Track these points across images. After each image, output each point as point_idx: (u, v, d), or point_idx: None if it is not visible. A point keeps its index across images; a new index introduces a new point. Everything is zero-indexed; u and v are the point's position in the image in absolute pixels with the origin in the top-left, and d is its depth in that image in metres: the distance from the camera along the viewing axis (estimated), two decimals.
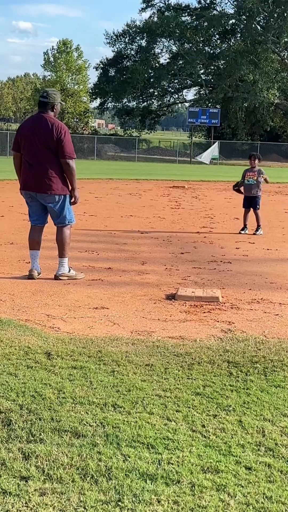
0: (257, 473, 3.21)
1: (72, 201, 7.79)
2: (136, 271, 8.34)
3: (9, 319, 5.81)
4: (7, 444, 3.40)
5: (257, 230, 12.50)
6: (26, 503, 2.87)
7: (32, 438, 3.47)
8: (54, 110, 7.68)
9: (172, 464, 3.25)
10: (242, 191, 12.83)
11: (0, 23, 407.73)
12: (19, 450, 3.34)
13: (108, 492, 2.97)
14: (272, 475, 3.20)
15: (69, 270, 7.78)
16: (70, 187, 7.70)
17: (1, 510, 2.81)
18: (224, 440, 3.55)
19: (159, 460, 3.28)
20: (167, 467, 3.21)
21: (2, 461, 3.21)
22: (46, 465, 3.19)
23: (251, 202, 12.67)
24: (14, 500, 2.89)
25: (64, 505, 2.86)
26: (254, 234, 12.35)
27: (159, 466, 3.22)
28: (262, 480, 3.14)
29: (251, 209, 12.63)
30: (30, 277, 7.62)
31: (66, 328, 5.66)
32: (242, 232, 12.48)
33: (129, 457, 3.29)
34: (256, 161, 12.82)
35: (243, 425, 3.75)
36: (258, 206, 12.65)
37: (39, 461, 3.23)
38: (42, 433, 3.52)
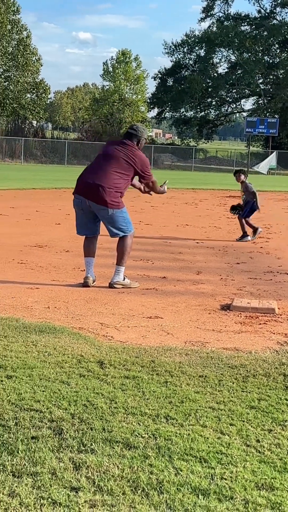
0: None
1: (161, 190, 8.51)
2: (191, 281, 8.27)
3: (63, 326, 5.80)
4: (58, 453, 3.36)
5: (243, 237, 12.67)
6: None
7: (83, 448, 3.43)
8: (139, 145, 7.90)
9: (225, 479, 3.16)
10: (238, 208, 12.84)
11: (60, 34, 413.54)
12: (70, 460, 3.30)
13: (159, 506, 2.90)
14: None
15: (124, 278, 7.76)
16: (123, 202, 7.82)
17: None
18: (279, 456, 3.44)
19: (212, 475, 3.20)
20: (220, 483, 3.12)
21: (53, 471, 3.18)
22: (97, 476, 3.14)
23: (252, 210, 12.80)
24: (64, 511, 2.85)
25: None
26: (239, 240, 12.52)
27: (212, 481, 3.14)
28: None
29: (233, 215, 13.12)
30: (84, 284, 7.63)
31: (119, 337, 5.62)
32: (249, 239, 12.61)
33: (181, 471, 3.22)
34: (241, 177, 12.74)
35: None
36: (249, 214, 12.75)
37: (90, 472, 3.18)
38: (93, 443, 3.48)
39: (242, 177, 12.71)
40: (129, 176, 7.76)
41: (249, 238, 12.51)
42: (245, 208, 12.65)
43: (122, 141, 7.86)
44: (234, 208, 12.84)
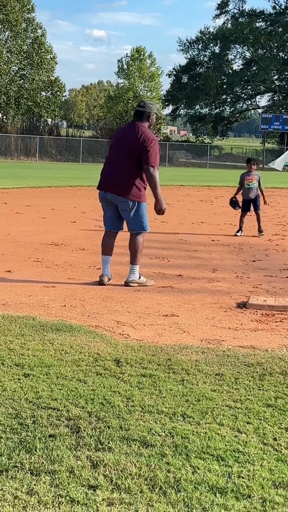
0: None
1: (157, 209, 7.81)
2: (206, 279, 8.27)
3: (80, 325, 5.82)
4: (76, 451, 3.38)
5: (261, 231, 12.78)
6: None
7: (101, 446, 3.44)
8: (150, 120, 7.79)
9: (243, 477, 3.17)
10: (238, 203, 12.86)
11: (74, 32, 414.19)
12: (88, 458, 3.32)
13: (177, 505, 2.91)
14: None
15: (140, 276, 7.77)
16: (145, 196, 7.73)
17: None
18: None
19: (229, 473, 3.20)
20: (237, 481, 3.13)
21: (70, 469, 3.19)
22: (114, 475, 3.16)
23: (250, 205, 12.90)
24: (82, 509, 2.86)
25: None
26: (260, 235, 12.63)
27: (229, 480, 3.14)
28: None
29: (249, 212, 12.94)
30: (100, 282, 7.64)
31: (135, 335, 5.63)
32: (238, 234, 12.72)
33: (198, 469, 3.22)
34: (255, 166, 12.98)
35: None
36: (259, 207, 12.96)
37: (107, 470, 3.20)
38: (110, 442, 3.49)
39: (255, 166, 13.11)
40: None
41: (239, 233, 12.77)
42: (258, 202, 12.85)
43: (132, 124, 7.75)
44: (234, 204, 12.92)
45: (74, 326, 5.76)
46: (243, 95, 75.09)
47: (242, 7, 73.40)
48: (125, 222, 7.89)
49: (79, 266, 8.81)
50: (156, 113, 7.87)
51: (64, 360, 4.83)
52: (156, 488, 3.05)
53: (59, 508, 2.86)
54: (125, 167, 7.60)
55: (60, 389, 4.23)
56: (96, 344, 5.25)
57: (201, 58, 73.85)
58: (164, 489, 3.04)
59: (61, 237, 11.47)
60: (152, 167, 7.61)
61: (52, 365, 4.70)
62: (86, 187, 23.55)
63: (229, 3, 73.15)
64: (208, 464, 3.28)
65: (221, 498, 2.97)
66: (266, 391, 4.35)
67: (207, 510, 2.87)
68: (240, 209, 12.96)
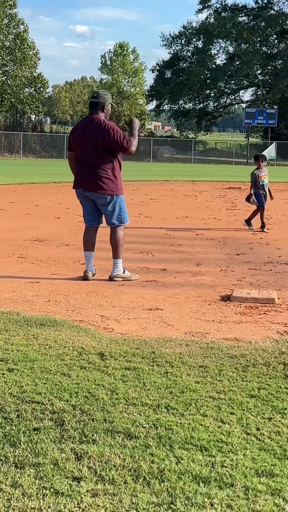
0: None
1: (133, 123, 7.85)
2: (191, 272, 8.29)
3: (64, 319, 5.83)
4: (60, 444, 3.40)
5: (249, 222, 12.97)
6: (78, 504, 2.86)
7: (85, 439, 3.46)
8: (105, 111, 7.72)
9: (226, 467, 3.19)
10: (254, 199, 12.83)
11: (58, 28, 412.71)
12: (72, 450, 3.33)
13: (161, 495, 2.94)
14: None
15: (124, 271, 7.78)
16: (122, 190, 7.73)
17: (54, 510, 2.80)
18: (279, 443, 3.47)
19: (212, 463, 3.23)
20: (220, 470, 3.15)
21: (55, 461, 3.21)
22: (99, 466, 3.17)
23: (265, 199, 12.96)
24: (66, 500, 2.88)
25: (116, 507, 2.84)
26: (262, 231, 12.67)
27: (212, 469, 3.17)
28: None
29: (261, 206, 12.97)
30: (84, 278, 7.65)
31: (120, 329, 5.65)
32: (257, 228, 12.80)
33: (182, 460, 3.25)
34: (263, 162, 13.04)
35: None
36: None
37: (92, 462, 3.21)
38: (94, 434, 3.51)
39: (264, 162, 13.04)
40: (114, 154, 7.64)
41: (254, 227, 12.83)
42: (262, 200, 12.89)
43: (88, 119, 7.69)
44: (249, 199, 12.99)
45: (59, 320, 5.77)
46: (226, 89, 75.12)
47: (224, 1, 73.40)
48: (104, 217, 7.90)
49: (63, 262, 8.81)
50: (111, 103, 7.83)
51: (48, 355, 4.84)
52: (140, 478, 3.07)
53: (44, 500, 2.88)
54: (96, 164, 7.58)
55: (45, 383, 4.24)
56: (80, 338, 5.27)
57: (185, 53, 73.79)
58: (148, 479, 3.06)
59: (46, 233, 11.46)
60: (129, 150, 7.59)
61: (36, 360, 4.71)
62: (70, 183, 23.41)
63: None
64: (192, 454, 3.31)
65: (204, 487, 3.00)
66: (249, 382, 4.38)
67: (191, 499, 2.90)
68: (255, 203, 12.94)
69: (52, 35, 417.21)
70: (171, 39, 73.26)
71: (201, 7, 73.41)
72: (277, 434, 3.59)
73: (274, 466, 3.22)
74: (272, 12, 69.89)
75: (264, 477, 3.12)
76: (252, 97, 75.09)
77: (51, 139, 59.62)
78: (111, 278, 7.70)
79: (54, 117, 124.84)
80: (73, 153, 7.83)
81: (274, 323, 5.97)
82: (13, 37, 62.00)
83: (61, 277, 7.78)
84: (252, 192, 12.79)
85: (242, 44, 69.94)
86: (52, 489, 2.96)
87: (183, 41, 73.24)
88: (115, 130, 7.52)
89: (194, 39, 72.63)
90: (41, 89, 64.67)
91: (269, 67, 71.59)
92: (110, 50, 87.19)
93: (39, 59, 64.26)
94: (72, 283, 7.48)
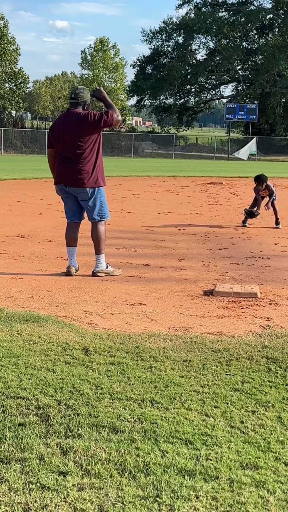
0: None
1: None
2: (173, 268, 8.32)
3: (47, 315, 5.84)
4: (46, 439, 3.41)
5: (246, 220, 12.96)
6: (64, 498, 2.88)
7: (70, 434, 3.47)
8: (85, 108, 7.75)
9: (211, 460, 3.22)
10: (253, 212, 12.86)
11: (38, 23, 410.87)
12: (57, 445, 3.35)
13: (146, 488, 2.96)
14: None
15: (107, 266, 7.79)
16: (103, 181, 7.73)
17: (40, 505, 2.82)
18: (263, 436, 3.51)
19: (197, 456, 3.25)
20: (205, 463, 3.18)
21: (40, 456, 3.22)
22: (84, 461, 3.19)
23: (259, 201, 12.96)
24: (53, 495, 2.89)
25: (102, 500, 2.86)
26: (244, 226, 12.75)
27: (197, 462, 3.19)
28: None
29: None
30: (67, 273, 7.65)
31: (103, 324, 5.66)
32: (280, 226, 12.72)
33: (167, 453, 3.27)
34: (262, 186, 12.79)
35: (282, 421, 3.71)
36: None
37: (77, 457, 3.23)
38: (80, 429, 3.52)
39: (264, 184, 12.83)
40: (94, 144, 7.64)
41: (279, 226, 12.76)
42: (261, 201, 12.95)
43: (68, 114, 7.70)
44: (250, 214, 12.86)
45: (42, 316, 5.77)
46: (207, 85, 75.08)
47: None
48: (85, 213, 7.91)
49: (46, 258, 8.80)
50: (91, 99, 7.83)
51: (32, 350, 4.84)
52: (126, 472, 3.09)
53: (30, 495, 2.89)
54: (77, 159, 7.58)
55: (29, 379, 4.25)
56: (64, 334, 5.28)
57: (165, 48, 73.61)
58: (133, 473, 3.09)
59: (28, 229, 11.44)
60: (113, 120, 7.61)
61: (20, 355, 4.71)
62: (52, 179, 23.42)
63: None
64: (177, 448, 3.34)
65: (189, 480, 3.03)
66: (233, 376, 4.41)
67: (176, 492, 2.92)
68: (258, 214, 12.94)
69: (32, 30, 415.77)
70: (151, 34, 73.08)
71: (181, 2, 73.26)
72: (261, 427, 3.63)
73: (258, 458, 3.25)
74: (252, 7, 69.91)
75: (249, 469, 3.15)
76: (233, 93, 75.16)
77: (32, 135, 59.37)
78: (94, 274, 7.71)
79: (35, 112, 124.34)
80: (53, 150, 7.85)
81: (256, 317, 6.01)
82: None
83: (44, 273, 7.78)
84: (256, 210, 12.77)
85: (223, 40, 69.89)
86: (38, 484, 2.97)
87: (163, 36, 73.07)
88: (91, 113, 7.58)
89: (175, 35, 72.50)
90: (22, 84, 64.45)
91: (250, 63, 71.64)
92: (90, 45, 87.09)
93: (20, 55, 64.04)
94: (55, 278, 7.48)
